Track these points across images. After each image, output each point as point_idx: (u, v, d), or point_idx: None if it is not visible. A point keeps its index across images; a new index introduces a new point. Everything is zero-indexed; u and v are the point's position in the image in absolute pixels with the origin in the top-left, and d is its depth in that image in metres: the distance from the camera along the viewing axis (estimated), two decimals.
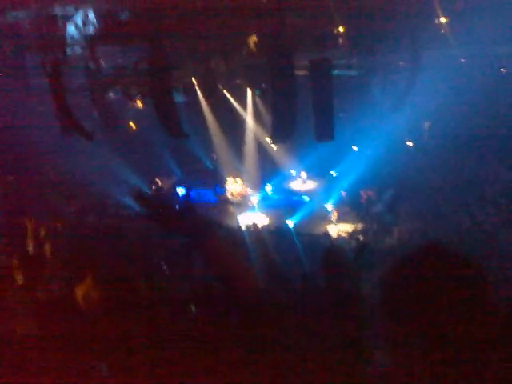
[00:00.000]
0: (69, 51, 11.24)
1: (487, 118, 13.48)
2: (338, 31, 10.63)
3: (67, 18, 10.50)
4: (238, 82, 14.47)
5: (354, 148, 17.91)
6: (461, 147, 14.70)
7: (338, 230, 15.97)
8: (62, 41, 10.79)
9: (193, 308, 5.00)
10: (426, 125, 16.51)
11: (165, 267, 8.67)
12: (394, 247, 14.14)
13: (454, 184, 14.95)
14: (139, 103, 13.48)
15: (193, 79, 14.33)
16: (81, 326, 4.44)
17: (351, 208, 16.82)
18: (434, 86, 12.14)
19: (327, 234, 15.47)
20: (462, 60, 11.46)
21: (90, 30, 9.89)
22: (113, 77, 12.23)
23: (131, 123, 17.41)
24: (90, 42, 10.61)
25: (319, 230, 15.75)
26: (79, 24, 10.31)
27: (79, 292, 5.08)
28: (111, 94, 13.03)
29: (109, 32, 9.88)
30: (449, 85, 12.58)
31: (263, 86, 14.09)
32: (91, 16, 9.53)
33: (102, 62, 11.62)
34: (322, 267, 5.32)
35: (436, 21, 10.28)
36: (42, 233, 8.20)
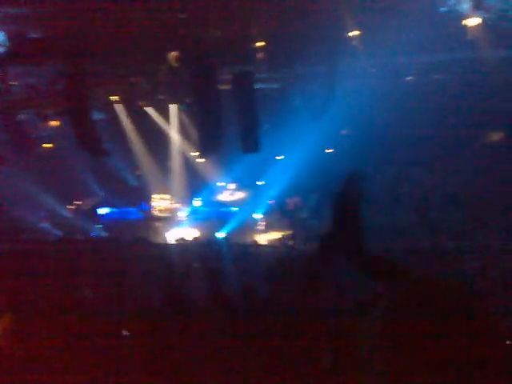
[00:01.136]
0: None
1: (401, 123, 14.49)
2: (259, 46, 10.86)
3: None
4: (160, 97, 14.22)
5: (279, 157, 18.36)
6: (376, 151, 15.67)
7: (266, 238, 16.28)
8: None
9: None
10: (343, 132, 17.37)
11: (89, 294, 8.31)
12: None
13: (372, 185, 15.88)
14: (55, 123, 12.74)
15: (112, 97, 13.84)
16: None
17: (279, 216, 17.22)
18: (350, 95, 12.83)
19: (256, 243, 15.72)
20: (373, 70, 12.20)
21: (1, 50, 9.17)
22: (25, 97, 11.46)
23: (47, 144, 16.42)
24: (1, 63, 9.85)
25: (249, 240, 15.94)
26: None
27: None
28: (23, 116, 12.19)
29: (19, 52, 9.24)
30: (363, 93, 13.35)
31: (187, 101, 13.99)
32: (1, 36, 8.83)
33: (13, 82, 10.84)
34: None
35: (349, 34, 10.86)
36: None
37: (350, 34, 10.89)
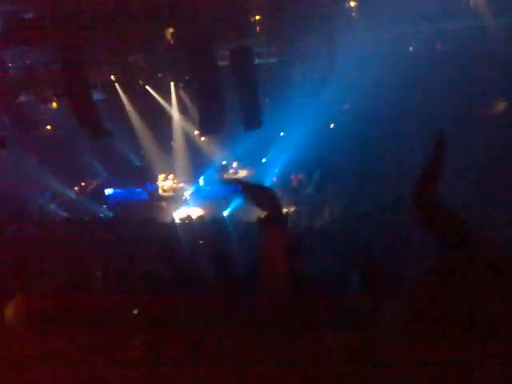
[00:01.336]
0: None
1: (402, 94, 14.30)
2: (257, 20, 10.72)
3: None
4: (159, 76, 14.11)
5: (282, 134, 18.27)
6: (380, 125, 15.51)
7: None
8: None
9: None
10: (346, 106, 17.20)
11: (98, 273, 8.44)
12: (326, 225, 14.73)
13: (375, 161, 15.80)
14: (54, 105, 12.73)
15: (111, 76, 13.76)
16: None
17: (283, 192, 17.21)
18: (351, 69, 12.67)
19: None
20: (375, 41, 12.02)
21: None
22: (23, 79, 11.44)
23: (48, 126, 16.45)
24: None
25: (254, 218, 15.96)
26: None
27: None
28: (23, 98, 12.19)
29: (15, 32, 9.19)
30: (363, 67, 13.17)
31: (186, 78, 13.87)
32: None
33: (10, 63, 10.82)
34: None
35: (347, 5, 10.68)
36: None
37: (350, 4, 10.71)
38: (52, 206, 16.97)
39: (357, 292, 4.01)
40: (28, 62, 11.19)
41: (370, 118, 15.52)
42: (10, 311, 4.76)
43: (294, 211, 16.41)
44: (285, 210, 16.44)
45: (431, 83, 13.43)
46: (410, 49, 12.59)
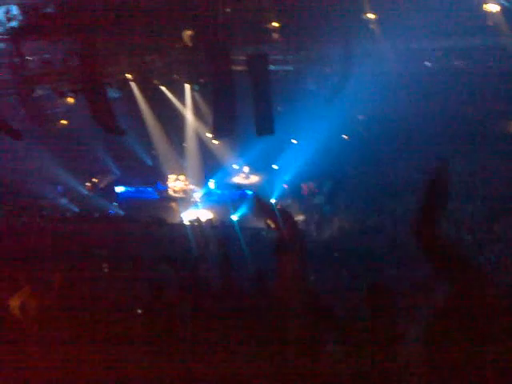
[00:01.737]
0: None
1: (417, 109, 14.17)
2: (273, 27, 10.74)
3: None
4: (175, 77, 14.22)
5: (294, 141, 18.25)
6: (393, 139, 15.39)
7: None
8: None
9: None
10: (360, 118, 17.11)
11: (105, 267, 8.49)
12: (334, 236, 14.64)
13: (388, 174, 15.66)
14: (70, 100, 12.90)
15: (127, 74, 13.91)
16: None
17: (293, 200, 17.16)
18: (365, 80, 12.59)
19: (270, 227, 15.66)
20: (390, 55, 11.94)
21: (14, 24, 9.28)
22: (40, 73, 11.62)
23: (63, 121, 16.66)
24: (14, 36, 9.98)
25: (261, 224, 15.89)
26: (2, 18, 9.66)
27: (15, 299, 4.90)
28: (39, 92, 12.38)
29: (34, 27, 9.34)
30: (378, 79, 13.09)
31: (201, 81, 13.96)
32: (14, 10, 8.95)
33: (28, 57, 11.00)
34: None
35: (365, 16, 10.65)
36: None
37: (367, 16, 10.68)
38: (63, 201, 17.18)
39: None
40: (46, 56, 11.36)
41: (383, 130, 15.42)
42: (17, 302, 4.82)
43: (303, 220, 16.34)
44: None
45: (446, 98, 13.29)
46: (427, 64, 12.48)
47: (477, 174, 14.25)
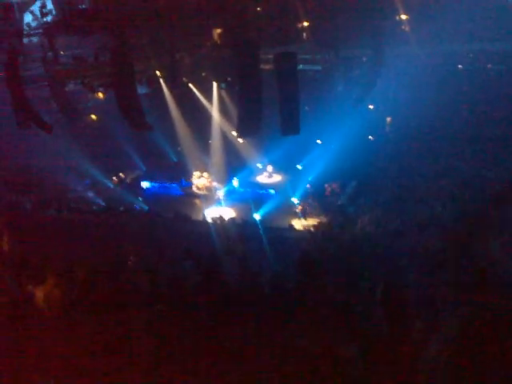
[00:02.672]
0: (26, 41, 10.82)
1: (446, 113, 13.90)
2: (303, 26, 10.69)
3: (25, 7, 10.09)
4: (203, 74, 14.32)
5: (319, 142, 18.13)
6: (420, 141, 15.12)
7: (302, 223, 16.15)
8: (18, 30, 10.37)
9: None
10: (388, 119, 16.89)
11: (131, 260, 8.60)
12: (357, 237, 14.45)
13: (413, 177, 15.41)
14: (101, 95, 13.14)
15: (157, 71, 14.09)
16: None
17: (316, 201, 17.04)
18: (396, 81, 12.44)
19: (292, 228, 15.63)
20: (423, 57, 11.76)
21: (48, 19, 9.53)
22: (73, 68, 11.87)
23: (92, 115, 16.98)
24: (48, 31, 10.23)
25: (285, 224, 15.90)
26: (37, 13, 9.93)
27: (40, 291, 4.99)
28: (71, 86, 12.64)
29: (67, 22, 9.56)
30: (409, 80, 12.90)
31: (229, 79, 14.01)
32: (49, 5, 9.18)
33: (61, 52, 11.24)
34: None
35: (397, 18, 10.50)
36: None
37: (400, 17, 10.53)
38: (90, 194, 17.51)
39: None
40: (78, 51, 11.60)
41: (411, 133, 15.17)
42: (42, 293, 4.92)
43: (325, 221, 16.21)
44: (316, 220, 16.27)
45: (477, 101, 13.00)
46: (459, 66, 12.23)
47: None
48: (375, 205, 15.57)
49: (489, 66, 11.86)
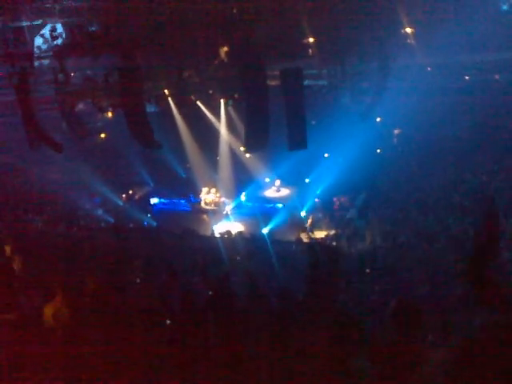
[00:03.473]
0: (37, 63, 11.05)
1: (454, 123, 13.90)
2: (308, 42, 10.81)
3: (35, 30, 10.34)
4: (210, 92, 14.50)
5: (326, 155, 18.18)
6: (429, 154, 15.09)
7: (311, 236, 16.12)
8: (29, 52, 10.61)
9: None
10: (395, 132, 16.91)
11: (138, 278, 8.60)
12: (367, 251, 14.38)
13: (422, 190, 15.36)
14: (110, 114, 13.35)
15: (165, 90, 14.30)
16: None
17: (325, 214, 17.02)
18: (402, 94, 12.48)
19: (300, 241, 15.60)
20: (429, 69, 11.81)
21: (59, 42, 9.74)
22: (82, 88, 12.09)
23: (102, 134, 17.19)
24: (59, 53, 10.45)
25: (293, 237, 15.88)
26: (47, 36, 10.16)
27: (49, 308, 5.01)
28: (81, 106, 12.86)
29: (78, 44, 9.78)
30: (417, 92, 12.94)
31: (236, 96, 14.18)
32: (59, 28, 9.40)
33: (71, 73, 11.46)
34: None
35: (402, 31, 10.58)
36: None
37: (405, 30, 10.61)
38: (99, 211, 17.64)
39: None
40: (88, 72, 11.82)
41: (418, 144, 15.16)
42: (51, 310, 4.94)
43: (334, 235, 16.16)
44: (324, 233, 16.24)
45: (484, 112, 13.00)
46: (466, 78, 12.26)
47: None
48: (384, 218, 15.52)
49: (494, 76, 11.87)
